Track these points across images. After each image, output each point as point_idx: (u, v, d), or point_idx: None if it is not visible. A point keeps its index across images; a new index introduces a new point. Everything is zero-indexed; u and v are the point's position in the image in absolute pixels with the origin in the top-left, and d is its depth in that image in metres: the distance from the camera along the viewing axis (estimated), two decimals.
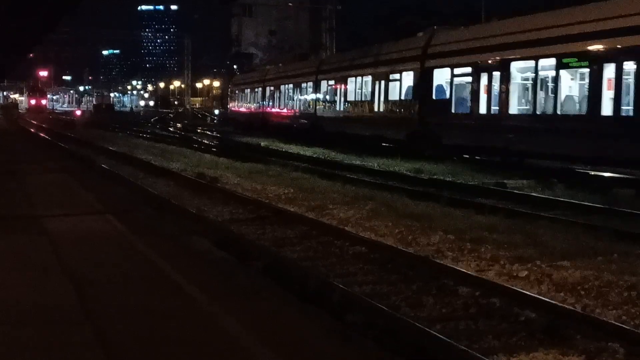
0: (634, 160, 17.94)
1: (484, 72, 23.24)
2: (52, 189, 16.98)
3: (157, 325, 6.41)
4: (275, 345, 5.89)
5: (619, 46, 18.21)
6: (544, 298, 8.19)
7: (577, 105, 20.30)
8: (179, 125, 69.11)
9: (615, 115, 18.43)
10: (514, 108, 22.24)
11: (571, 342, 7.00)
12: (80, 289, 7.59)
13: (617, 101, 18.35)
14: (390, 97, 29.61)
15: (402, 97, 28.74)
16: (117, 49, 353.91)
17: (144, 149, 32.94)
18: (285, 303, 7.38)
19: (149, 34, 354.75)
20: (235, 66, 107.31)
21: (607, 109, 18.65)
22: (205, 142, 40.68)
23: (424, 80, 26.74)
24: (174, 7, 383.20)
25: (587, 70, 19.53)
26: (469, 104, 24.28)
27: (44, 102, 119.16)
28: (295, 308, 7.23)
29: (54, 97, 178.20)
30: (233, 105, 60.44)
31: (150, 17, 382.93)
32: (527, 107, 21.86)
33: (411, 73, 27.95)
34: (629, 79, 18.21)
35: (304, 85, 40.47)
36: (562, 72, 20.31)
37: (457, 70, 24.92)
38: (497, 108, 22.73)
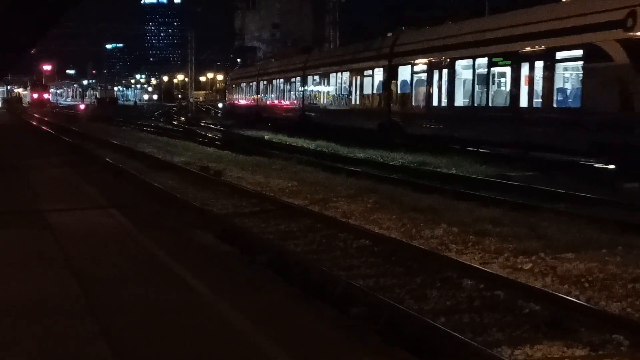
0: (545, 145, 20.72)
1: (435, 69, 26.31)
2: (55, 183, 17.01)
3: (160, 319, 6.42)
4: (279, 338, 5.90)
5: (530, 48, 21.12)
6: (548, 290, 8.18)
7: (503, 98, 22.88)
8: (182, 118, 69.09)
9: (529, 107, 21.22)
10: (459, 101, 25.16)
11: (575, 335, 6.99)
12: (84, 282, 7.61)
13: (530, 94, 21.19)
14: (365, 92, 32.52)
15: (374, 92, 31.56)
16: (120, 43, 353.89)
17: (147, 143, 32.95)
18: (289, 296, 7.39)
19: (153, 28, 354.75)
20: (239, 59, 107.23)
21: (524, 101, 21.46)
22: (209, 135, 40.66)
23: (390, 76, 29.70)
24: (177, 1, 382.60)
25: (509, 68, 22.32)
26: (424, 97, 27.20)
27: (46, 96, 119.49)
28: (299, 301, 7.23)
29: (58, 91, 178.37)
30: (230, 99, 62.54)
31: (154, 11, 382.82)
32: (467, 100, 24.68)
33: (381, 70, 30.71)
34: (539, 76, 20.95)
35: (292, 80, 42.87)
36: (492, 69, 23.33)
37: (415, 68, 27.91)
38: (446, 101, 25.73)
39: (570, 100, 20.24)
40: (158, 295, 7.19)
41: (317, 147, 30.10)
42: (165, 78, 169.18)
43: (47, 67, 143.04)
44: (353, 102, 33.56)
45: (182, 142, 34.68)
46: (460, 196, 15.26)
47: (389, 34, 33.26)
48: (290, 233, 12.05)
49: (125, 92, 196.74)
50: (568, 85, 20.70)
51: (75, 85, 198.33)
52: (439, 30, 28.09)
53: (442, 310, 7.88)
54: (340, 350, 5.73)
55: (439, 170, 20.77)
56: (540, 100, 20.84)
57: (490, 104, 23.19)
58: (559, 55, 20.13)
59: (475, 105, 23.95)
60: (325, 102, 37.58)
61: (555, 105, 20.29)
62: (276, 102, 46.21)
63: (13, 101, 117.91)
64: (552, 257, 9.77)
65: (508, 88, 22.50)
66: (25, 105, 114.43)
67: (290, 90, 43.50)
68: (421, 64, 27.34)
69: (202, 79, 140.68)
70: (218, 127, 51.86)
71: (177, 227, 11.38)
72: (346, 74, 34.48)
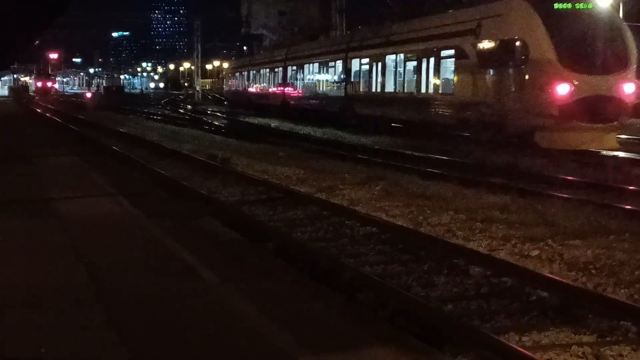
0: (435, 121, 26.48)
1: (373, 62, 32.26)
2: (63, 171, 17.05)
3: (169, 307, 6.44)
4: (287, 325, 5.92)
5: (426, 48, 27.11)
6: (555, 277, 8.18)
7: (412, 86, 28.42)
8: (189, 107, 69.08)
9: (426, 93, 27.07)
10: (388, 87, 30.89)
11: (583, 321, 6.99)
12: (92, 270, 7.63)
13: (427, 84, 27.16)
14: (330, 80, 38.42)
15: (336, 80, 37.39)
16: (127, 31, 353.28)
17: (154, 131, 32.99)
18: (297, 283, 7.40)
19: (159, 16, 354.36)
20: (245, 47, 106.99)
21: (423, 89, 27.45)
22: (216, 123, 40.67)
23: (346, 68, 35.58)
24: None
25: (415, 63, 28.16)
26: (366, 84, 33.35)
27: (49, 84, 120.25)
28: (307, 288, 7.25)
29: (65, 80, 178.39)
30: (228, 87, 69.52)
31: None
32: (393, 87, 30.44)
33: (340, 62, 36.57)
34: (432, 70, 26.76)
35: (276, 70, 48.85)
36: (407, 64, 29.13)
37: (362, 61, 33.85)
38: (380, 87, 31.69)
39: (448, 88, 25.85)
40: (166, 283, 7.21)
41: (324, 135, 30.13)
42: (172, 66, 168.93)
43: (53, 56, 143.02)
44: (321, 89, 39.60)
45: (189, 130, 34.72)
46: (468, 183, 15.24)
47: (348, 32, 40.36)
48: (298, 221, 12.06)
49: (132, 80, 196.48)
50: (448, 77, 26.03)
51: (81, 73, 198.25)
52: (377, 30, 34.13)
53: (450, 297, 7.89)
54: (349, 336, 5.75)
55: (445, 157, 20.73)
56: (432, 88, 26.90)
57: (405, 91, 29.10)
58: (442, 54, 25.94)
59: (397, 91, 29.94)
60: (301, 89, 43.41)
61: (440, 92, 26.34)
62: (263, 90, 52.34)
63: (20, 90, 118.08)
64: (559, 244, 9.78)
65: (414, 78, 28.26)
66: (32, 93, 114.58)
67: (274, 80, 49.30)
68: (365, 57, 33.37)
69: (209, 66, 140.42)
70: (224, 115, 52.05)
71: (184, 215, 11.40)
72: (316, 66, 40.53)
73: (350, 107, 34.36)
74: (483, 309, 7.49)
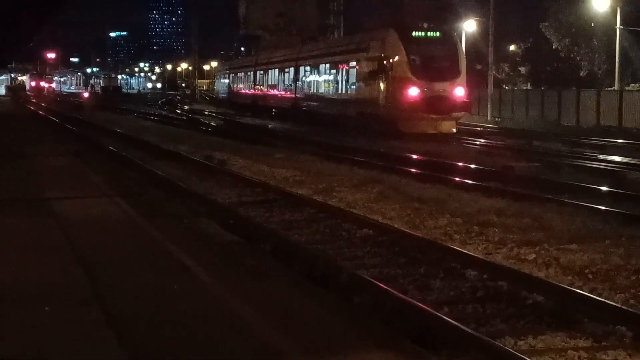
0: (344, 114, 34.16)
1: (312, 69, 41.50)
2: (60, 171, 17.05)
3: (164, 306, 6.46)
4: (282, 326, 5.93)
5: (340, 59, 36.29)
6: (551, 281, 8.19)
7: (333, 89, 37.54)
8: (186, 107, 69.03)
9: (341, 93, 36.08)
10: (320, 90, 39.77)
11: (578, 326, 7.00)
12: (89, 270, 7.64)
13: (341, 87, 36.23)
14: (285, 83, 47.18)
15: (290, 83, 45.85)
16: (124, 31, 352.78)
17: (151, 132, 32.94)
18: (293, 285, 7.41)
19: (157, 16, 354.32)
20: (242, 48, 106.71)
21: (340, 90, 36.32)
22: (213, 124, 40.68)
23: (296, 73, 44.11)
24: None
25: (335, 71, 37.21)
26: (307, 87, 42.26)
27: (42, 84, 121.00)
28: (303, 290, 7.26)
29: (62, 80, 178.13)
30: (217, 88, 78.37)
31: None
32: (323, 90, 39.31)
33: (292, 68, 45.05)
34: (344, 76, 35.67)
35: (248, 74, 57.80)
36: (330, 71, 38.02)
37: (306, 68, 42.68)
38: (315, 90, 40.67)
39: (352, 90, 34.47)
40: (162, 283, 7.22)
41: (321, 136, 30.14)
42: (169, 66, 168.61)
43: (51, 55, 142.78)
44: (278, 90, 48.11)
45: (186, 130, 34.71)
46: (464, 187, 15.24)
47: (299, 45, 50.34)
48: (294, 222, 12.06)
49: (129, 80, 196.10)
50: (353, 82, 34.45)
51: (79, 73, 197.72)
52: (315, 44, 46.94)
53: (446, 300, 7.89)
54: (344, 339, 5.76)
55: (443, 160, 20.73)
56: (344, 89, 35.86)
57: (329, 92, 37.96)
58: (350, 64, 34.91)
59: (323, 92, 38.98)
60: (265, 90, 51.86)
61: (348, 92, 35.08)
62: (240, 90, 61.12)
63: (17, 89, 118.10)
64: (555, 248, 9.78)
65: (334, 83, 37.27)
66: (28, 92, 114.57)
67: (247, 82, 58.32)
68: (307, 66, 42.20)
69: (206, 67, 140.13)
70: (221, 115, 52.18)
71: (181, 215, 11.39)
72: (276, 71, 48.98)
73: (298, 105, 42.67)
74: (479, 313, 7.50)
